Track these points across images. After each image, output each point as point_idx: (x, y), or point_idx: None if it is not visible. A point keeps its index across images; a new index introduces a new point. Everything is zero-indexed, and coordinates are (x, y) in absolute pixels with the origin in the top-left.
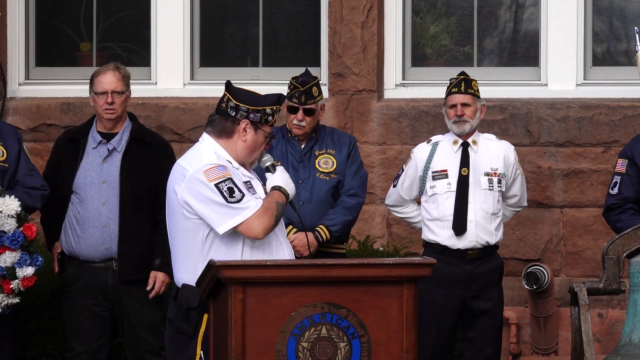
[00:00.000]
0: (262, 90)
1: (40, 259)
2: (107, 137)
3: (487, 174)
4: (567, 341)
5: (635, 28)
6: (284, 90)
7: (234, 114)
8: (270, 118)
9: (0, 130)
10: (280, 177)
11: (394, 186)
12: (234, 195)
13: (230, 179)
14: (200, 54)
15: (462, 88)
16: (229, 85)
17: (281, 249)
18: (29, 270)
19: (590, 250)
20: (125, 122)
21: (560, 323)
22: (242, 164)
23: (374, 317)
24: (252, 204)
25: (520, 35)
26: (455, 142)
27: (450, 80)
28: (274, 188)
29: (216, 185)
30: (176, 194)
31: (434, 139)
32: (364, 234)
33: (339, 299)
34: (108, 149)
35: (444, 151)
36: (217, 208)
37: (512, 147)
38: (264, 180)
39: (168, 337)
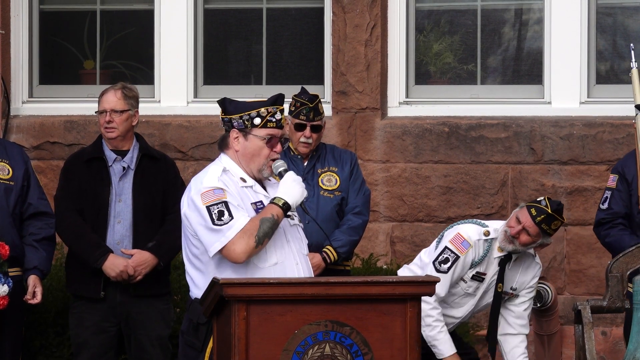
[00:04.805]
0: None
1: (10, 281)
2: (118, 155)
3: None
4: (571, 359)
5: (631, 45)
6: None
7: (226, 127)
8: (257, 120)
9: (5, 149)
10: (282, 187)
11: None
12: (222, 218)
13: (225, 202)
14: (203, 72)
15: None
16: (221, 101)
17: (296, 269)
18: (4, 289)
19: (594, 268)
20: (133, 140)
21: (564, 341)
22: (254, 176)
23: (378, 335)
24: (239, 226)
25: (524, 54)
26: None
27: None
28: (270, 201)
29: (207, 207)
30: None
31: None
32: (368, 252)
33: (342, 317)
34: (123, 167)
35: None
36: (206, 230)
37: None
38: None
39: (180, 348)
